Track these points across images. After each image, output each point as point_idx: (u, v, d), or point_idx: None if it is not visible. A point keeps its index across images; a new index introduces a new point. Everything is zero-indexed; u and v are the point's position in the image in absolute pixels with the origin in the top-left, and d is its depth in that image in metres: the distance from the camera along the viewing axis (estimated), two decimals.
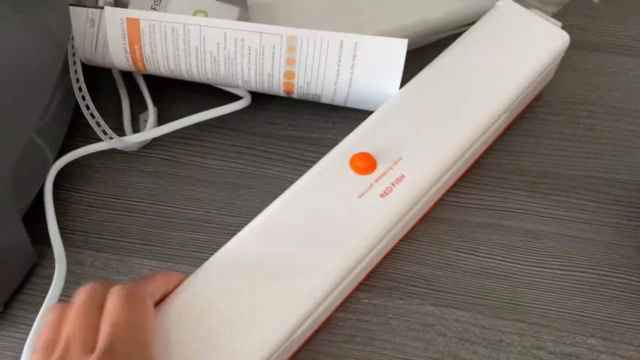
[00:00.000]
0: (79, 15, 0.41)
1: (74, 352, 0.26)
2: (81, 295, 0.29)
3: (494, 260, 0.39)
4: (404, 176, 0.35)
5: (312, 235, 0.33)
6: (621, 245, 0.40)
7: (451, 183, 0.41)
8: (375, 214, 0.34)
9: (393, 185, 0.34)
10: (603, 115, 0.46)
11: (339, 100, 0.42)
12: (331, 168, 0.36)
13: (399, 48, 0.38)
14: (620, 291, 0.38)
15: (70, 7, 0.41)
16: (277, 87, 0.41)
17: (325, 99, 0.42)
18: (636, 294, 0.38)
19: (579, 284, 0.38)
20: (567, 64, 0.49)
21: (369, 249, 0.34)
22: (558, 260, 0.39)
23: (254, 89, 0.43)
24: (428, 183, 0.36)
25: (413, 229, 0.40)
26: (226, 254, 0.33)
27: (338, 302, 0.36)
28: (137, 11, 0.40)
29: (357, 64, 0.39)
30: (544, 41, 0.41)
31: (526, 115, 0.46)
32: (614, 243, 0.40)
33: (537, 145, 0.44)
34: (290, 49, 0.39)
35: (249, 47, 0.39)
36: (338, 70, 0.39)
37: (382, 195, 0.34)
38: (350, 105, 0.43)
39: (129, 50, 0.41)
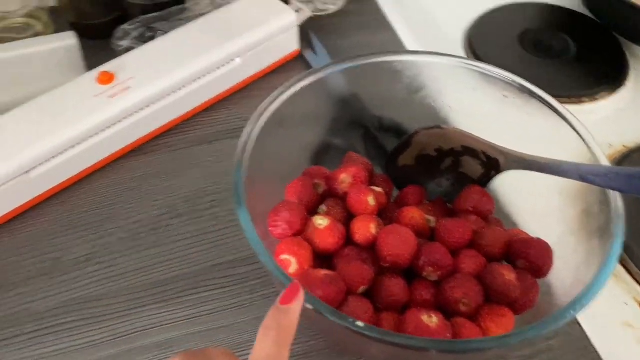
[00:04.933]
0: None
1: None
2: None
3: None
4: (130, 87, 0.51)
5: (60, 116, 0.49)
6: (247, 321, 0.42)
7: (162, 120, 0.54)
8: (102, 107, 0.50)
9: (120, 92, 0.51)
10: (223, 200, 0.49)
11: None
12: (84, 79, 0.52)
13: None
14: None
15: None
16: None
17: None
18: None
19: None
20: (189, 161, 0.52)
21: (96, 130, 0.50)
22: None
23: None
24: (144, 95, 0.51)
25: None
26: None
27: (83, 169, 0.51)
28: None
29: None
30: (277, 17, 0.58)
31: (154, 226, 0.48)
32: (240, 322, 0.42)
33: (163, 253, 0.46)
34: None
35: None
36: None
37: (110, 97, 0.50)
38: None
39: None
